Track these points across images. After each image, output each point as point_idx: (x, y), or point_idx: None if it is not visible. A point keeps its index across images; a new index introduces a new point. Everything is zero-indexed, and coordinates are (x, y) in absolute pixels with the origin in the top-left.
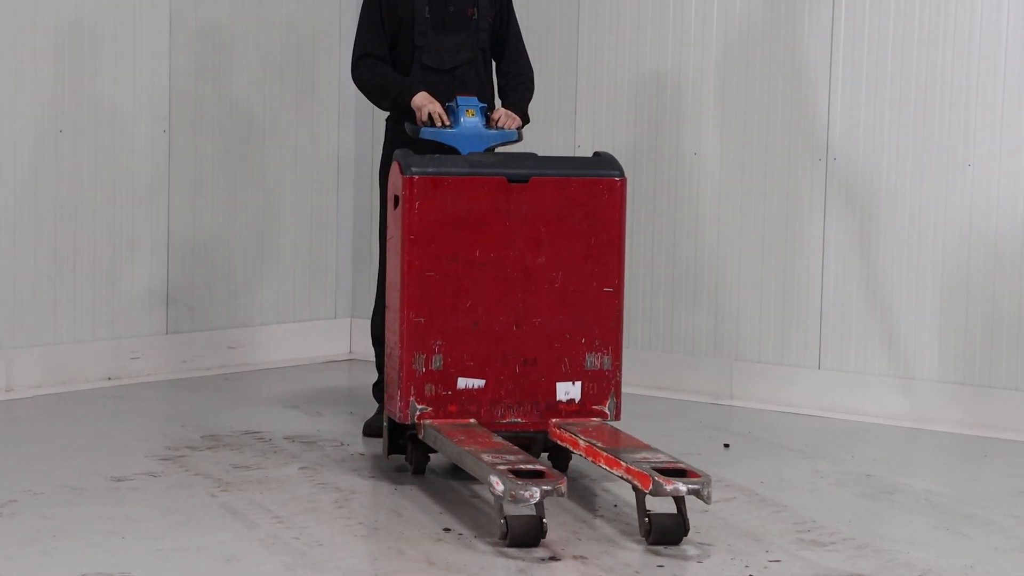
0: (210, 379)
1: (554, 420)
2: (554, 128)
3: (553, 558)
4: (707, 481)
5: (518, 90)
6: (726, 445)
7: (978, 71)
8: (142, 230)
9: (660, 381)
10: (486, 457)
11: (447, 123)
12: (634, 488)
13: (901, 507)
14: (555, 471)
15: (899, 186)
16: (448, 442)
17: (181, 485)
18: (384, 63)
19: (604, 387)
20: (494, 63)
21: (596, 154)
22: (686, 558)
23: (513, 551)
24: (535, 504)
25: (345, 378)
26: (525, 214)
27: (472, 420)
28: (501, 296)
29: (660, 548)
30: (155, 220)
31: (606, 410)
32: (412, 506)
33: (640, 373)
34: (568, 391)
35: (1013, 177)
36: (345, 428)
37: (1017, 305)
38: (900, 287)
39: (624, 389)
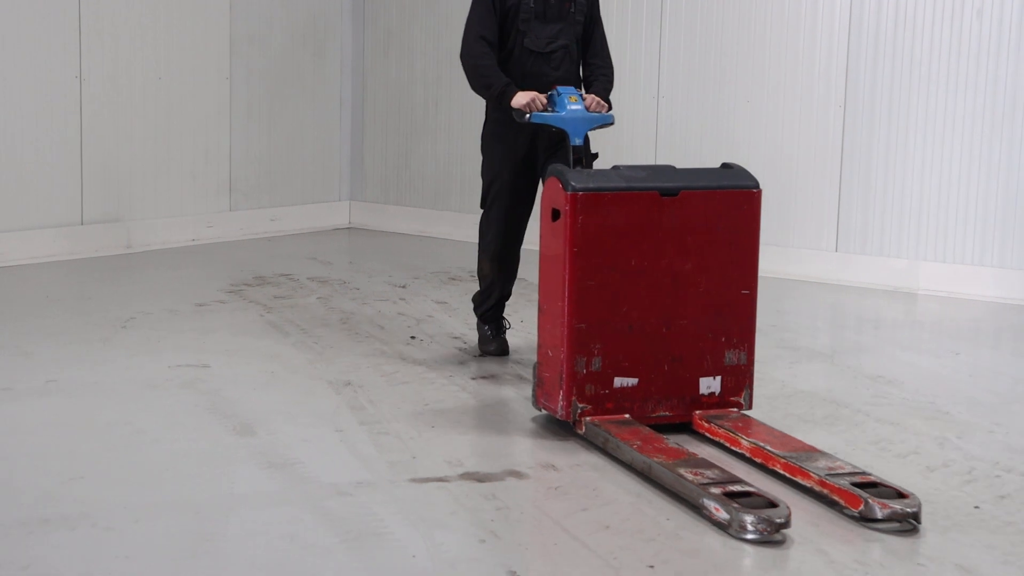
0: (258, 241)
1: (697, 412)
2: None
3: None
4: (918, 503)
5: (602, 81)
6: None
7: None
8: (212, 141)
9: None
10: (686, 474)
11: (545, 107)
12: (828, 503)
13: None
14: (766, 493)
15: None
16: (626, 448)
17: (241, 309)
18: (494, 50)
19: (740, 380)
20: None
21: (725, 165)
22: None
23: (468, 351)
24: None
25: (346, 240)
26: (675, 225)
27: (627, 416)
28: (653, 300)
29: None
30: (221, 134)
31: (742, 400)
32: (390, 322)
33: None
34: (710, 385)
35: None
36: (347, 272)
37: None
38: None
39: None
